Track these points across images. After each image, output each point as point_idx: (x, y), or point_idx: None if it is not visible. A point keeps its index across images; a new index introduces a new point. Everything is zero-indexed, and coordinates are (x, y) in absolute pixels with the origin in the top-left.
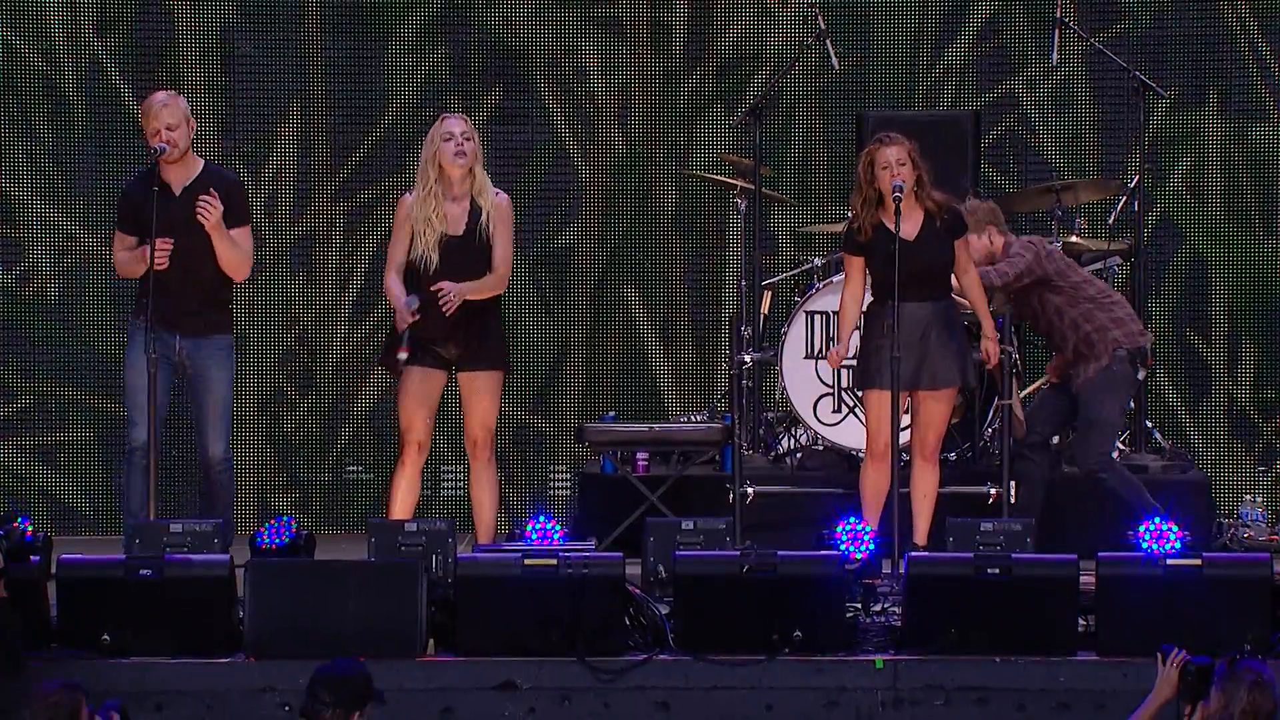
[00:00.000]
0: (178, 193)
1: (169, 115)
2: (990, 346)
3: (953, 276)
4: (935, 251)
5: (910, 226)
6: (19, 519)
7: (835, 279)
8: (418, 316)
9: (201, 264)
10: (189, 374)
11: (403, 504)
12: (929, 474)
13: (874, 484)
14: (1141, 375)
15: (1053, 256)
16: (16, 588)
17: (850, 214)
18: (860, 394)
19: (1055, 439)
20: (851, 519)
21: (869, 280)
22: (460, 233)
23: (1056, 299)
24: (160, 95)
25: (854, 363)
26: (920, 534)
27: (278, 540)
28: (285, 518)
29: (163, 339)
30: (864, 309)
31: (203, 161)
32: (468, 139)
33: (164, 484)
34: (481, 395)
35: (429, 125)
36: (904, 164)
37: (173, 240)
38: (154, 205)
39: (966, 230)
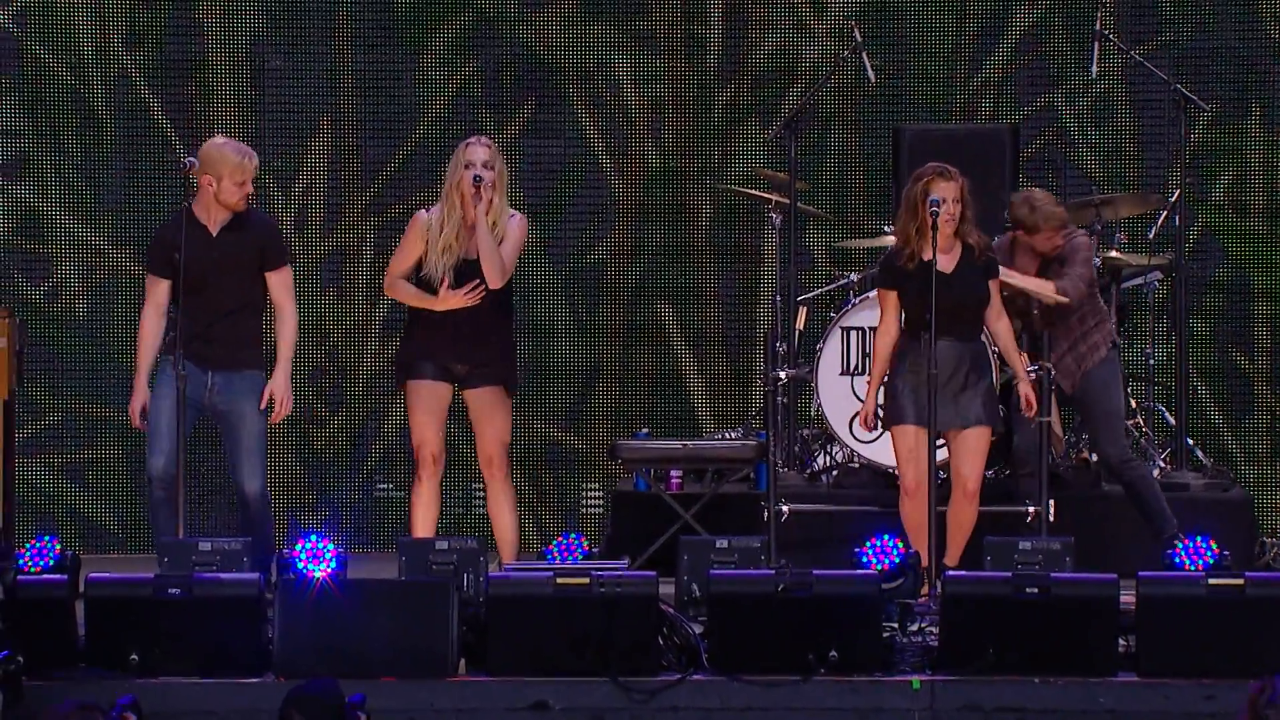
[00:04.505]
0: (215, 233)
1: (253, 171)
2: (1028, 392)
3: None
4: (971, 288)
5: (948, 260)
6: (20, 547)
7: (871, 295)
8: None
9: (233, 303)
10: (220, 410)
11: (424, 520)
12: (968, 509)
13: (915, 520)
14: None
15: (1089, 246)
16: (36, 608)
17: (895, 242)
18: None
19: (1093, 456)
20: (885, 537)
21: (903, 317)
22: (475, 257)
23: None
24: (241, 146)
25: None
26: (952, 558)
27: (328, 568)
28: (316, 534)
29: (193, 375)
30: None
31: None
32: (489, 167)
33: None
34: (491, 412)
35: (460, 139)
36: (958, 201)
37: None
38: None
39: (999, 272)
